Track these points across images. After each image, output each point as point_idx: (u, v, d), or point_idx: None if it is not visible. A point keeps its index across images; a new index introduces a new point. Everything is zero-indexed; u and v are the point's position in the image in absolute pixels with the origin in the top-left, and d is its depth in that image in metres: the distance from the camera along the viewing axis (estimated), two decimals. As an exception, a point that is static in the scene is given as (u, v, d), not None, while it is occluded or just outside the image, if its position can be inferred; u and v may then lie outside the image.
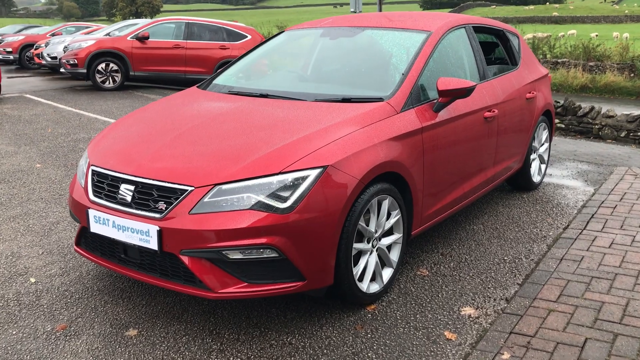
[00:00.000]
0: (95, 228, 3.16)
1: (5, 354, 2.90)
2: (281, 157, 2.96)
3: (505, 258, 3.98)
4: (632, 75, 15.92)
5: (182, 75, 13.07)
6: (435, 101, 3.76)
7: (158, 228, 2.88)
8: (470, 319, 3.20)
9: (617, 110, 9.17)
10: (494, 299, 3.41)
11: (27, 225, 4.64)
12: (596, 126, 8.95)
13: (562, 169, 6.39)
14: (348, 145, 3.10)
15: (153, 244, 2.91)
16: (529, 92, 5.09)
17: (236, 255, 2.84)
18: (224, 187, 2.87)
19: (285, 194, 2.86)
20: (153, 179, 2.98)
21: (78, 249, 3.44)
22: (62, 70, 13.45)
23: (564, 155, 7.16)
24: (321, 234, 2.91)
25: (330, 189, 2.93)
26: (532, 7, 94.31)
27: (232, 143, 3.13)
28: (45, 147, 7.35)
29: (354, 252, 3.12)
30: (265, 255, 2.85)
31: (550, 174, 6.13)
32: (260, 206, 2.82)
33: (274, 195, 2.85)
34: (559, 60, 17.17)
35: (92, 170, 3.30)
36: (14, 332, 3.09)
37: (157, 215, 2.91)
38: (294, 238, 2.85)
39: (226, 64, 12.82)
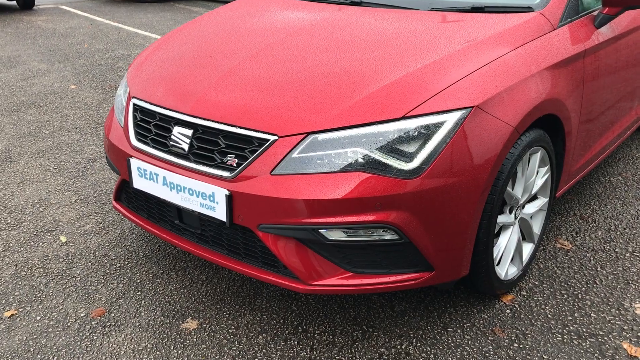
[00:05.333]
0: (139, 184, 2.33)
1: (25, 350, 2.17)
2: (402, 93, 2.02)
3: (669, 226, 3.04)
4: None
5: (228, -15, 11.88)
6: (596, 12, 2.72)
7: (227, 192, 2.03)
8: (649, 320, 2.32)
9: None
10: (676, 291, 2.51)
11: (58, 162, 3.87)
12: None
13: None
14: (498, 76, 2.13)
15: (220, 213, 2.07)
16: (684, 4, 3.93)
17: (337, 236, 1.98)
18: (321, 137, 1.97)
19: (409, 148, 1.94)
20: (219, 122, 2.10)
21: (117, 206, 2.63)
22: (99, -22, 12.43)
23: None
24: (460, 206, 2.01)
25: (476, 142, 2.00)
26: None
27: (327, 71, 2.19)
28: (81, 65, 6.52)
29: (495, 229, 2.24)
30: (378, 237, 1.98)
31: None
32: (372, 166, 1.92)
33: (393, 151, 1.94)
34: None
35: (134, 104, 2.43)
36: (38, 318, 2.36)
37: (226, 174, 2.05)
38: (421, 213, 1.96)
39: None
